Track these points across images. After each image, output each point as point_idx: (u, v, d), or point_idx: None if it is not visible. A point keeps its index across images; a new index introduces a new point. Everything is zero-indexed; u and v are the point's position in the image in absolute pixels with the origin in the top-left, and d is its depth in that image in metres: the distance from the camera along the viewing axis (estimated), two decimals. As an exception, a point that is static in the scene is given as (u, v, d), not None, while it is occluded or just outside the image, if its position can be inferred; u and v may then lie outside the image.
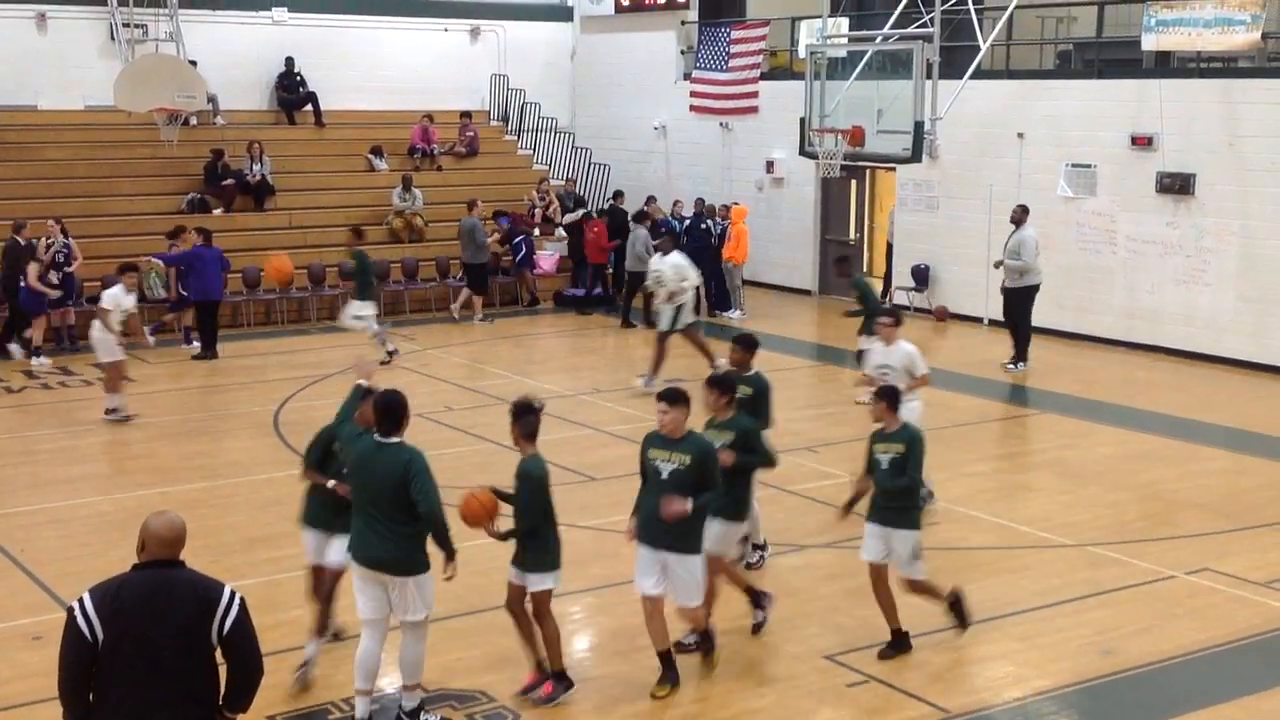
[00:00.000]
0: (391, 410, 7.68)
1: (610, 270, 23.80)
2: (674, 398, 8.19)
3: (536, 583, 8.03)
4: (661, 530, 8.05)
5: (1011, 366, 17.91)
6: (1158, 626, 9.47)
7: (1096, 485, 12.89)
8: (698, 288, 17.95)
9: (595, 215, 23.64)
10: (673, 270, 16.65)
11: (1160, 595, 10.08)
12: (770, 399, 10.02)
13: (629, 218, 22.49)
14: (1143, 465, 13.66)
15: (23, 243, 18.29)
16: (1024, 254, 17.58)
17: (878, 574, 8.88)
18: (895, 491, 8.77)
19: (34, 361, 18.01)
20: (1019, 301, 17.83)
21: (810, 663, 8.81)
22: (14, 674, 8.56)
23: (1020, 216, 17.77)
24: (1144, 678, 8.71)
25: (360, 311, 17.94)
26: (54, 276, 18.41)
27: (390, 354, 17.83)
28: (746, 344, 10.15)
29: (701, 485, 8.10)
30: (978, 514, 11.92)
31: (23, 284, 17.93)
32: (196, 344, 18.75)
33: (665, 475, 8.08)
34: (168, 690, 5.08)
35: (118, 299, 14.89)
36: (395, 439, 7.63)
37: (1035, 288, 17.85)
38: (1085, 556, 10.89)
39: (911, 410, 10.81)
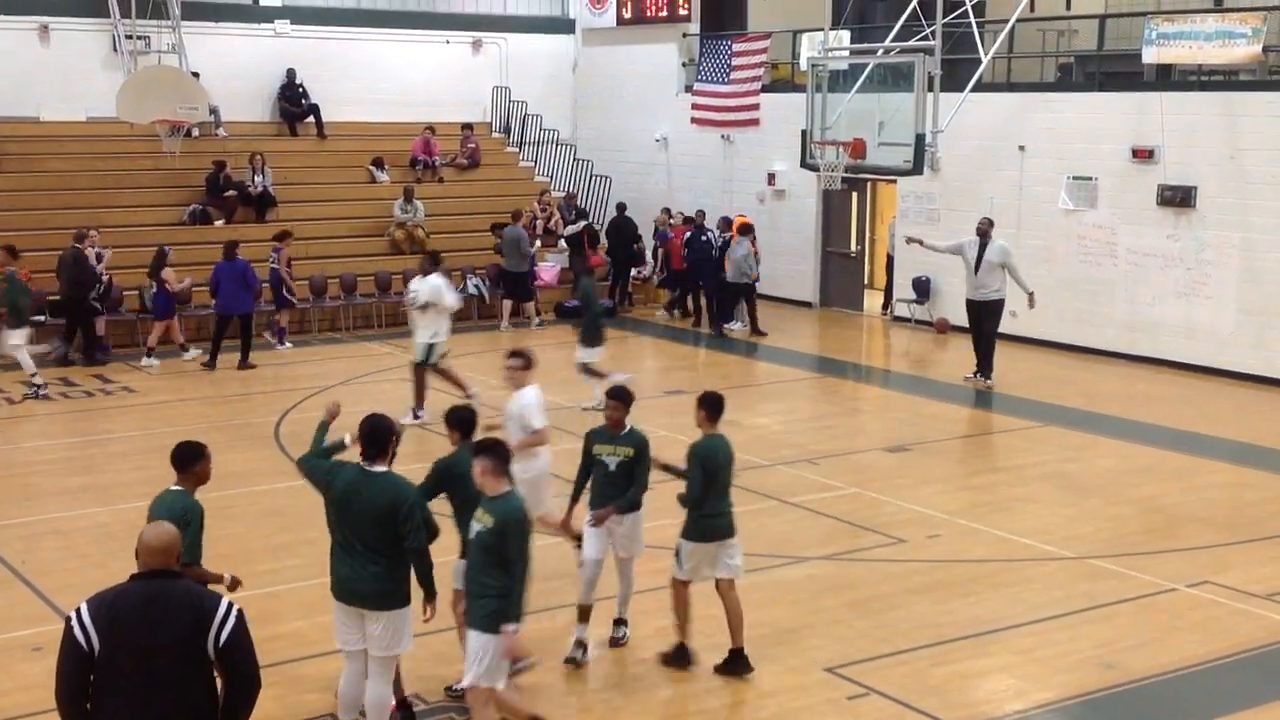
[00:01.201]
0: (376, 435, 7.33)
1: (609, 281, 23.80)
2: (478, 449, 7.31)
3: None
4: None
5: (979, 378, 17.70)
6: (1159, 640, 9.45)
7: (1098, 498, 12.87)
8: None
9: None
10: (430, 293, 15.26)
11: (1161, 608, 10.06)
12: (649, 458, 8.91)
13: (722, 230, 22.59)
14: (1144, 478, 13.64)
15: (85, 251, 18.49)
16: (1013, 261, 17.48)
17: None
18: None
19: (185, 359, 18.25)
20: (995, 314, 17.56)
21: (811, 675, 8.77)
22: (14, 685, 8.54)
23: (988, 227, 17.60)
24: (1145, 691, 8.69)
25: (17, 340, 16.81)
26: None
27: (38, 389, 16.73)
28: (624, 398, 8.94)
29: (500, 555, 6.99)
30: (979, 527, 11.90)
31: (154, 289, 18.54)
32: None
33: (472, 535, 7.19)
34: (164, 701, 5.06)
35: None
36: (382, 468, 7.31)
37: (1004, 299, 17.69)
38: (1086, 569, 10.86)
39: (532, 469, 9.51)
